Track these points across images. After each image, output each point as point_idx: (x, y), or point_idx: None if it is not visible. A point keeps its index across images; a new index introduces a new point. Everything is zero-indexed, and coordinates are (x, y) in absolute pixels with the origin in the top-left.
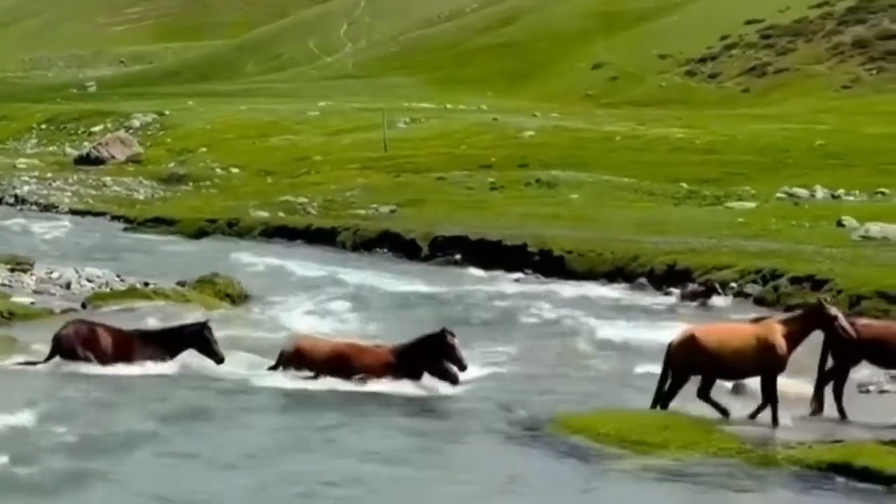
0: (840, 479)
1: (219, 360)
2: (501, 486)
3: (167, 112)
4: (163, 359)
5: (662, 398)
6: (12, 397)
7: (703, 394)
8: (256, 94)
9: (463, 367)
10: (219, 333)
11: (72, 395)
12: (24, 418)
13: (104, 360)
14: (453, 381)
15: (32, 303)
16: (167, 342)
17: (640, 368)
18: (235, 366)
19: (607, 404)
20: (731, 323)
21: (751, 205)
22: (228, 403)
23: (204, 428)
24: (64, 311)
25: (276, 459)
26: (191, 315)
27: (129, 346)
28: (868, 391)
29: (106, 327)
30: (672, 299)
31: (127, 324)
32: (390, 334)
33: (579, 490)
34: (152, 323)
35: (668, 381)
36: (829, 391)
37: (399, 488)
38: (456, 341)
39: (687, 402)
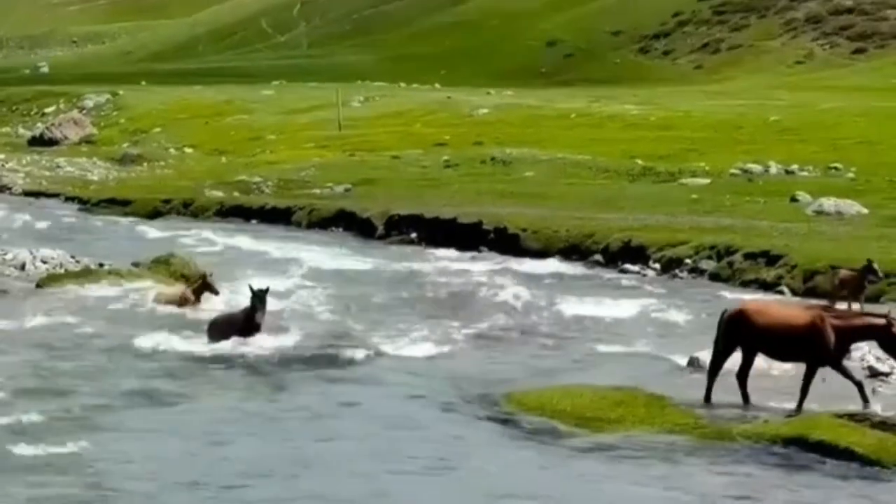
0: (795, 453)
1: None
2: (456, 462)
3: (120, 92)
4: None
5: None
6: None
7: None
8: (210, 73)
9: None
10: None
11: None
12: None
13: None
14: None
15: None
16: None
17: (595, 345)
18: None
19: (562, 381)
20: None
21: (705, 181)
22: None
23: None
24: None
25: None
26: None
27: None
28: None
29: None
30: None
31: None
32: (348, 312)
33: (534, 466)
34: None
35: None
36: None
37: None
38: None
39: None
